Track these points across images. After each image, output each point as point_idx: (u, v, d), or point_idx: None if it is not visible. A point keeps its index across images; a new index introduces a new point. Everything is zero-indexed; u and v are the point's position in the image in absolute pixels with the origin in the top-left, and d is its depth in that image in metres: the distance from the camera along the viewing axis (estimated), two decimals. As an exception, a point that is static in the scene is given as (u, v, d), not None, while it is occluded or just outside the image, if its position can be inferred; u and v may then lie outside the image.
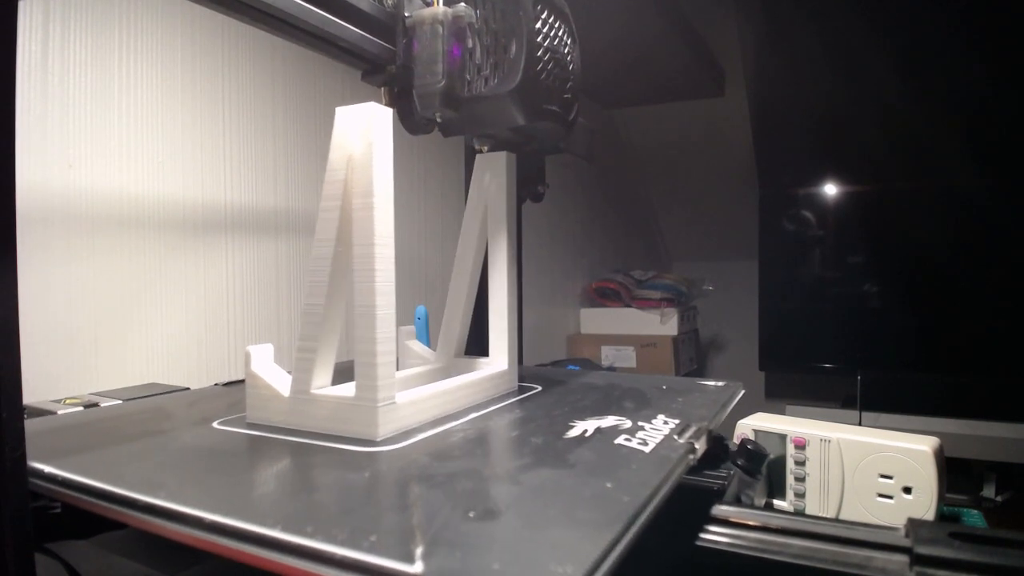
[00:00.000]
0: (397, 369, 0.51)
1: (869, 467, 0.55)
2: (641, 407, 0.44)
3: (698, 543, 0.35)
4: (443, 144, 1.24)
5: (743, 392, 0.52)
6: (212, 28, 0.82)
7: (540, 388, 0.51)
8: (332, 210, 0.37)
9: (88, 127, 0.69)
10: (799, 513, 0.56)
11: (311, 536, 0.23)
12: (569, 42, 0.48)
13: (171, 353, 0.77)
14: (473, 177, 0.51)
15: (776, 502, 0.59)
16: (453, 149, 1.23)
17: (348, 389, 0.38)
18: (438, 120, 0.43)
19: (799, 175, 2.05)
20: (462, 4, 0.41)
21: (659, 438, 0.36)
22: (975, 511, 0.66)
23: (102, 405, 0.49)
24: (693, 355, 2.05)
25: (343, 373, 0.41)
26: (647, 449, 0.34)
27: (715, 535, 0.36)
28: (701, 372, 2.29)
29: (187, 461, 0.34)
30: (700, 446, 0.36)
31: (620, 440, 0.36)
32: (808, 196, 2.05)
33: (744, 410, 0.61)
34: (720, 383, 0.54)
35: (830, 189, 2.03)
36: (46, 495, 0.31)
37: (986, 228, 1.80)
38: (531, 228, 1.48)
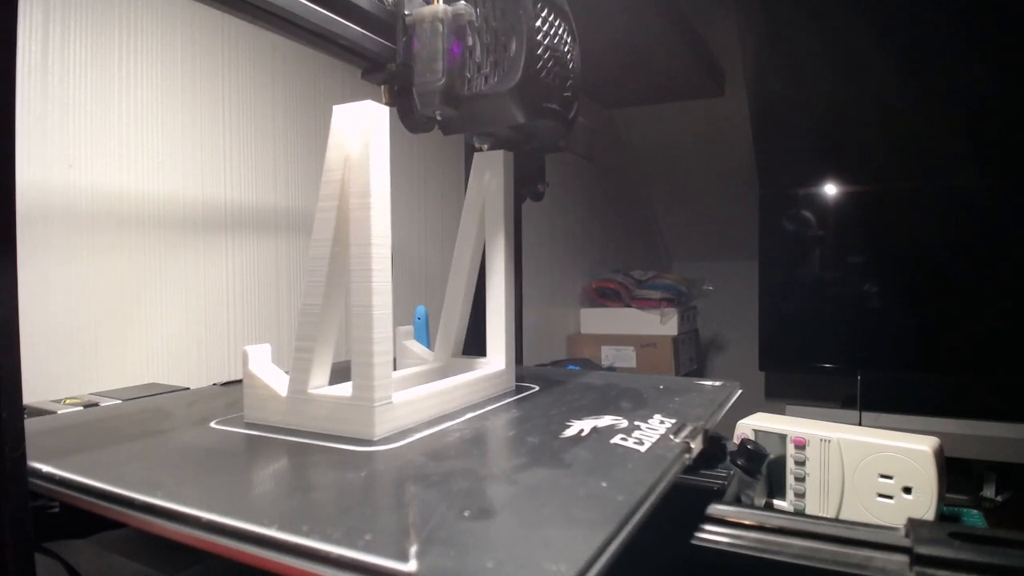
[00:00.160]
0: (395, 369, 0.51)
1: (869, 467, 0.55)
2: (638, 407, 0.44)
3: (693, 542, 0.35)
4: (443, 144, 1.24)
5: (740, 392, 0.52)
6: (212, 28, 0.83)
7: (537, 388, 0.51)
8: (329, 210, 0.37)
9: (88, 127, 0.69)
10: (799, 513, 0.56)
11: (307, 535, 0.23)
12: (569, 40, 0.48)
13: (171, 353, 0.77)
14: (471, 176, 0.52)
15: (776, 502, 0.59)
16: (453, 148, 1.23)
17: (345, 389, 0.38)
18: (438, 118, 0.43)
19: (799, 175, 2.05)
20: (462, 2, 0.41)
21: (655, 438, 0.36)
22: (975, 511, 0.66)
23: (102, 405, 0.49)
24: (693, 355, 2.05)
25: (341, 373, 0.41)
26: (643, 448, 0.34)
27: (711, 534, 0.37)
28: (701, 372, 2.29)
29: (185, 461, 0.34)
30: (696, 445, 0.36)
31: (616, 440, 0.36)
32: (808, 196, 2.05)
33: (744, 410, 0.61)
34: (717, 383, 0.54)
35: (830, 189, 2.03)
36: (44, 494, 0.31)
37: (986, 228, 1.80)
38: (531, 227, 1.48)
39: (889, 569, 0.31)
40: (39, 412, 0.47)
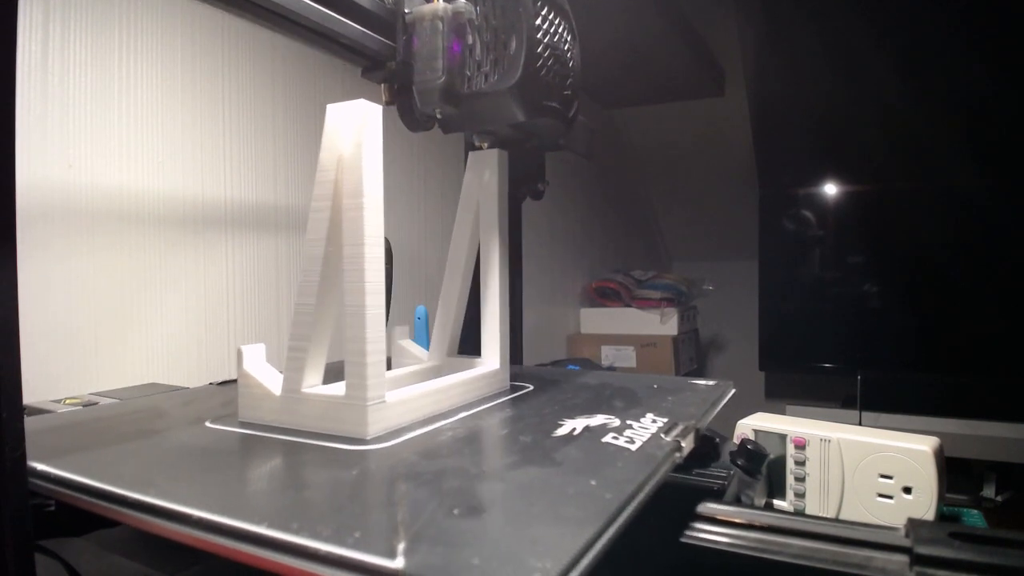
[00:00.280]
0: (390, 368, 0.51)
1: (869, 467, 0.55)
2: (631, 406, 0.45)
3: (683, 540, 0.36)
4: (443, 144, 1.24)
5: (734, 391, 0.52)
6: (212, 28, 0.83)
7: (532, 387, 0.52)
8: (322, 210, 0.38)
9: (88, 127, 0.69)
10: (799, 513, 0.56)
11: (297, 532, 0.23)
12: (569, 39, 0.48)
13: (171, 353, 0.77)
14: (466, 175, 0.52)
15: (776, 502, 0.60)
16: (453, 148, 1.23)
17: (338, 388, 0.38)
18: (438, 116, 0.43)
19: (799, 175, 2.05)
20: (462, 0, 0.41)
21: (646, 436, 0.37)
22: (975, 511, 0.66)
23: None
24: (693, 355, 2.05)
25: (335, 373, 0.41)
26: (633, 447, 0.35)
27: (703, 532, 0.37)
28: (701, 372, 2.29)
29: (179, 459, 0.35)
30: (687, 444, 0.37)
31: (607, 438, 0.36)
32: (808, 196, 2.05)
33: (744, 410, 0.61)
34: (711, 382, 0.54)
35: (830, 189, 2.03)
36: (40, 493, 0.31)
37: (986, 228, 1.80)
38: (531, 227, 1.48)
39: (889, 569, 0.31)
40: (39, 412, 0.47)
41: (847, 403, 1.96)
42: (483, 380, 0.48)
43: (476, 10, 0.43)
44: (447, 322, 0.53)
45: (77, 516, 0.32)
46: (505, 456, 0.34)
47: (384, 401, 0.37)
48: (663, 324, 1.86)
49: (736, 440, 0.58)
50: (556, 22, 0.47)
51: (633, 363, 1.86)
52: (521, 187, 0.64)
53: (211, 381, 0.60)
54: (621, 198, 2.34)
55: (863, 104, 1.82)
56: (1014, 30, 1.53)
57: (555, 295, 1.85)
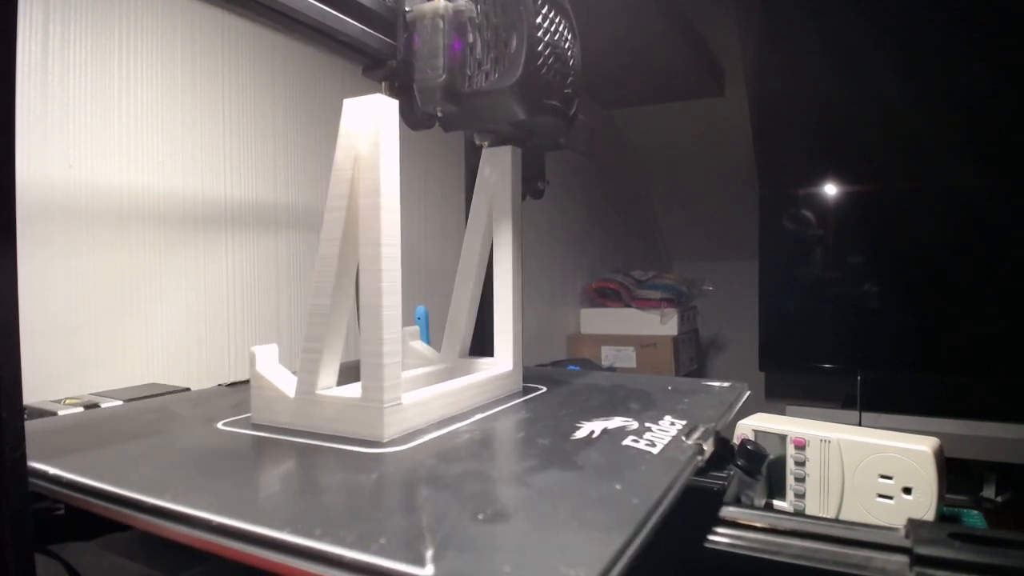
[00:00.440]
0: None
1: (869, 467, 0.55)
2: (647, 408, 0.44)
3: (707, 545, 0.35)
4: (443, 144, 1.23)
5: (749, 392, 0.52)
6: (212, 28, 0.82)
7: (545, 389, 0.51)
8: (338, 209, 0.37)
9: (88, 127, 0.68)
10: (799, 513, 0.56)
11: (319, 538, 0.23)
12: (570, 37, 0.48)
13: (171, 353, 0.77)
14: (479, 172, 0.51)
15: (776, 502, 0.59)
16: (453, 148, 1.23)
17: (354, 390, 0.37)
18: (439, 115, 0.42)
19: (799, 175, 2.05)
20: None
21: (667, 439, 0.36)
22: (975, 511, 0.66)
23: (103, 406, 0.49)
24: (693, 355, 2.05)
25: (346, 373, 0.40)
26: (655, 451, 0.34)
27: (721, 536, 0.36)
28: (701, 372, 2.29)
29: (192, 463, 0.34)
30: (708, 447, 0.36)
31: (628, 441, 0.36)
32: (808, 196, 2.06)
33: (744, 410, 0.60)
34: (726, 384, 0.53)
35: (830, 189, 2.03)
36: (50, 497, 0.30)
37: (986, 228, 1.80)
38: (531, 227, 1.48)
39: (889, 569, 0.31)
40: (39, 412, 0.47)
41: (847, 403, 1.96)
42: (497, 381, 0.47)
43: (477, 8, 0.43)
44: (459, 322, 0.52)
45: (86, 520, 0.31)
46: (525, 459, 0.34)
47: (400, 403, 0.36)
48: (663, 324, 1.86)
49: (736, 440, 0.58)
50: (557, 20, 0.46)
51: (633, 363, 1.86)
52: (521, 186, 0.64)
53: (217, 382, 0.59)
54: (621, 198, 2.34)
55: (863, 104, 1.82)
56: (1014, 30, 1.53)
57: (555, 295, 1.85)
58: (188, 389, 0.57)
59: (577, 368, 1.08)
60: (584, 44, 0.51)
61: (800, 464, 0.58)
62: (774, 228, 2.08)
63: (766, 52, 1.84)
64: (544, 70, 0.45)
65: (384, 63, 0.42)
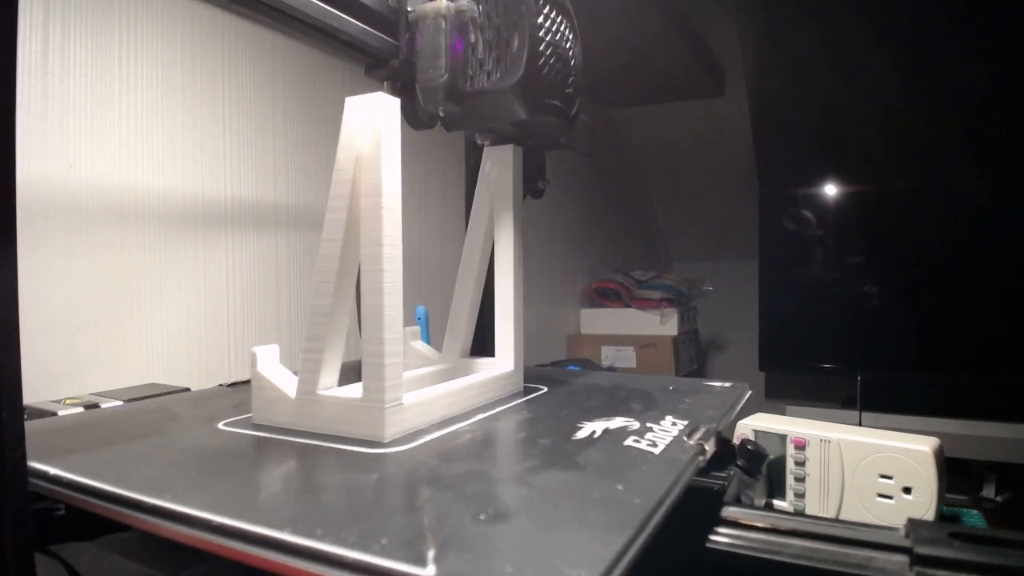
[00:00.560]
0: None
1: (869, 467, 0.55)
2: (648, 408, 0.44)
3: (707, 544, 0.35)
4: (443, 144, 1.23)
5: (750, 393, 0.52)
6: (212, 28, 0.82)
7: (546, 389, 0.51)
8: (340, 210, 0.37)
9: (88, 127, 0.68)
10: (799, 513, 0.56)
11: (321, 539, 0.23)
12: (571, 37, 0.48)
13: (171, 353, 0.77)
14: (480, 171, 0.51)
15: (776, 502, 0.59)
16: (453, 148, 1.23)
17: (355, 390, 0.37)
18: (441, 114, 0.42)
19: (799, 175, 2.05)
20: None
21: (668, 439, 0.36)
22: (975, 511, 0.66)
23: (103, 406, 0.49)
24: (693, 355, 2.05)
25: (347, 373, 0.40)
26: (657, 451, 0.34)
27: (723, 536, 0.36)
28: (701, 372, 2.29)
29: (193, 463, 0.34)
30: (710, 447, 0.36)
31: (629, 441, 0.36)
32: (808, 196, 2.05)
33: (744, 410, 0.60)
34: (727, 384, 0.53)
35: (830, 189, 2.03)
36: (50, 497, 0.30)
37: (986, 228, 1.80)
38: (531, 227, 1.48)
39: (889, 569, 0.31)
40: (39, 412, 0.47)
41: (847, 403, 1.96)
42: (498, 382, 0.47)
43: (479, 8, 0.43)
44: (460, 322, 0.52)
45: (87, 521, 0.31)
46: (526, 459, 0.34)
47: (402, 403, 0.36)
48: (663, 324, 1.86)
49: (736, 440, 0.58)
50: (558, 20, 0.46)
51: (633, 363, 1.86)
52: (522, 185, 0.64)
53: (218, 382, 0.59)
54: (621, 198, 2.34)
55: (863, 104, 1.82)
56: (1014, 30, 1.53)
57: (555, 295, 1.85)
58: (188, 389, 0.57)
59: (577, 368, 1.08)
60: (584, 44, 0.51)
61: (800, 464, 0.58)
62: (774, 228, 2.08)
63: (766, 52, 1.84)
64: (546, 70, 0.45)
65: (386, 63, 0.42)
